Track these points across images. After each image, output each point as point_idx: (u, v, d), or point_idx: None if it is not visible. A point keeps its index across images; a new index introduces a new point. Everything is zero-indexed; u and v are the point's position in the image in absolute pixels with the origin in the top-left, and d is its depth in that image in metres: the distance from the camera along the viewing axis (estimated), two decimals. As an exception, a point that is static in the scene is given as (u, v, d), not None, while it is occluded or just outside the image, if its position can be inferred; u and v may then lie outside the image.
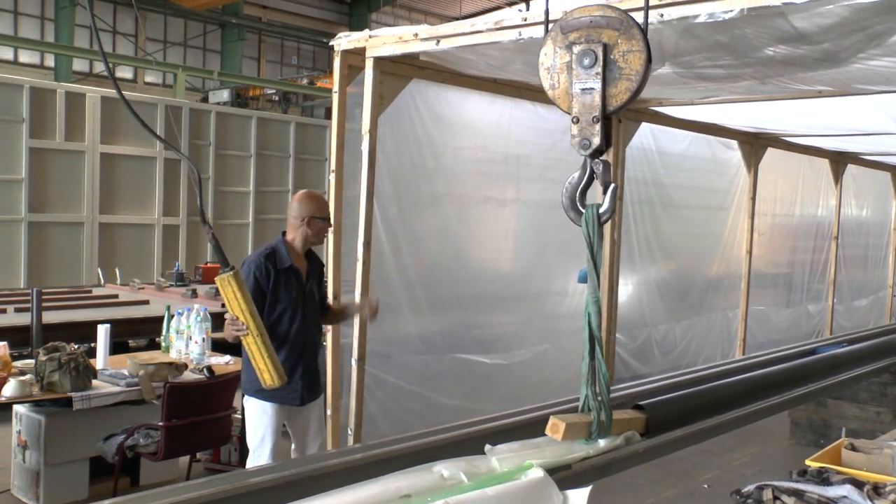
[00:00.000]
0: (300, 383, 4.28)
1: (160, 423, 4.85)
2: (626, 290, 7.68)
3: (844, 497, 3.03)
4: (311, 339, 4.36)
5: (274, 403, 4.25)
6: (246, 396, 4.33)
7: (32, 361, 5.10)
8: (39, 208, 11.68)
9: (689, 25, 3.99)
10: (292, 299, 4.25)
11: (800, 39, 4.19)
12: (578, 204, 3.10)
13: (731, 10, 3.73)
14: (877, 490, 3.00)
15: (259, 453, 4.23)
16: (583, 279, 3.14)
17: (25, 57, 21.26)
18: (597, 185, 3.10)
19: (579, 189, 3.11)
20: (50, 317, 7.55)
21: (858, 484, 3.08)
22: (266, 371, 3.74)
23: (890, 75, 4.90)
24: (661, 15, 3.88)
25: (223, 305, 8.70)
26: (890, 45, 4.19)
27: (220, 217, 13.78)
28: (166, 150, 12.99)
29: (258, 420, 4.28)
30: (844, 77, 5.08)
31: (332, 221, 4.37)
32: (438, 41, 4.81)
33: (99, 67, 22.18)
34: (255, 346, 3.71)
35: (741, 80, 5.39)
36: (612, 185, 3.06)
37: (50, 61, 21.08)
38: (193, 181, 3.28)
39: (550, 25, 3.10)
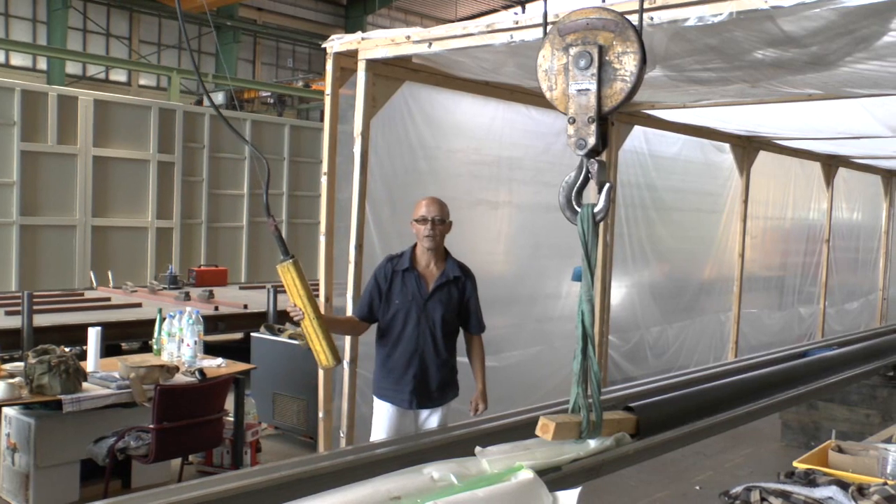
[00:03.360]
0: (410, 386, 4.27)
1: (151, 426, 4.84)
2: (618, 292, 7.70)
3: (830, 498, 3.05)
4: (426, 344, 4.28)
5: (387, 403, 4.34)
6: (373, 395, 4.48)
7: (22, 364, 5.08)
8: (31, 211, 11.67)
9: (679, 29, 4.00)
10: (407, 301, 4.27)
11: (788, 43, 4.21)
12: (574, 203, 3.13)
13: (721, 14, 3.75)
14: (861, 491, 3.02)
15: None
16: (577, 277, 3.16)
17: (17, 60, 21.20)
18: (592, 185, 3.12)
19: (575, 189, 3.14)
20: (41, 320, 7.54)
21: (844, 485, 3.10)
22: (322, 352, 3.93)
23: (878, 78, 4.93)
24: (652, 18, 3.89)
25: (216, 308, 8.73)
26: (877, 48, 4.22)
27: (213, 220, 13.79)
28: (160, 154, 13.00)
29: (377, 421, 4.39)
30: (833, 80, 5.11)
31: (433, 221, 4.25)
32: (431, 44, 4.82)
33: (91, 70, 22.15)
34: (311, 329, 3.89)
35: (732, 84, 5.41)
36: (607, 185, 3.09)
37: (42, 64, 21.03)
38: (262, 178, 3.36)
39: (548, 28, 3.13)
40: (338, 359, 4.01)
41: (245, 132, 14.36)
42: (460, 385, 4.58)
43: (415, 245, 4.39)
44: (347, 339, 5.10)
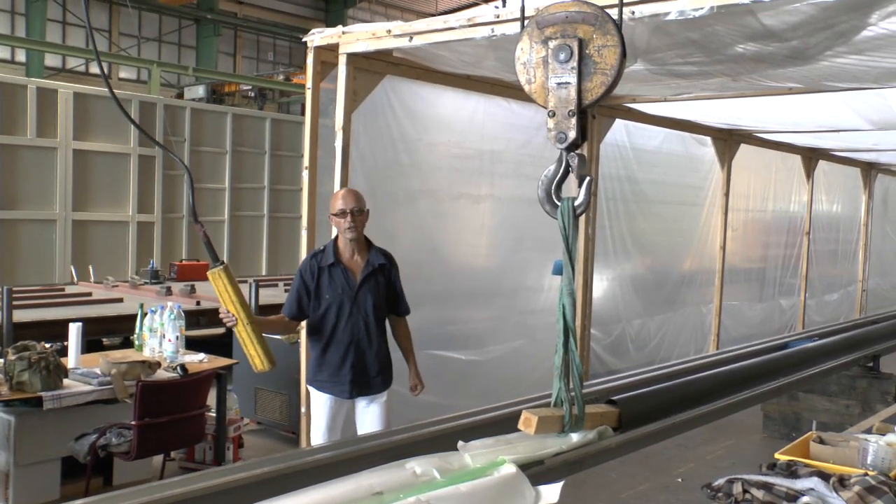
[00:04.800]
0: (348, 377, 4.38)
1: (133, 423, 4.80)
2: (600, 285, 7.73)
3: (811, 489, 3.06)
4: (360, 334, 4.39)
5: (327, 394, 4.43)
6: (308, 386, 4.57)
7: (1, 361, 5.03)
8: (10, 205, 11.54)
9: (661, 23, 4.02)
10: (336, 295, 4.36)
11: (769, 37, 4.24)
12: (554, 197, 3.12)
13: (702, 8, 3.77)
14: (842, 482, 3.04)
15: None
16: (557, 271, 3.15)
17: (-4, 52, 21.01)
18: (571, 179, 3.12)
19: (555, 182, 3.13)
20: (21, 315, 7.46)
21: (825, 476, 3.11)
22: (256, 357, 3.96)
23: (857, 72, 4.97)
24: (633, 12, 3.90)
25: (198, 303, 8.70)
26: (856, 42, 4.25)
27: (194, 214, 13.69)
28: (141, 147, 12.91)
29: (315, 411, 4.50)
30: (814, 74, 5.15)
31: (352, 212, 4.32)
32: (411, 37, 4.81)
33: (71, 63, 21.93)
34: (245, 334, 3.93)
35: (713, 77, 5.44)
36: (588, 178, 3.08)
37: (21, 56, 20.80)
38: (185, 180, 3.40)
39: (527, 21, 3.11)
40: (272, 362, 4.02)
41: (226, 126, 14.28)
42: (439, 375, 4.61)
43: (336, 239, 4.46)
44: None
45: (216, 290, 3.91)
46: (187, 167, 4.15)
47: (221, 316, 3.97)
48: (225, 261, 3.88)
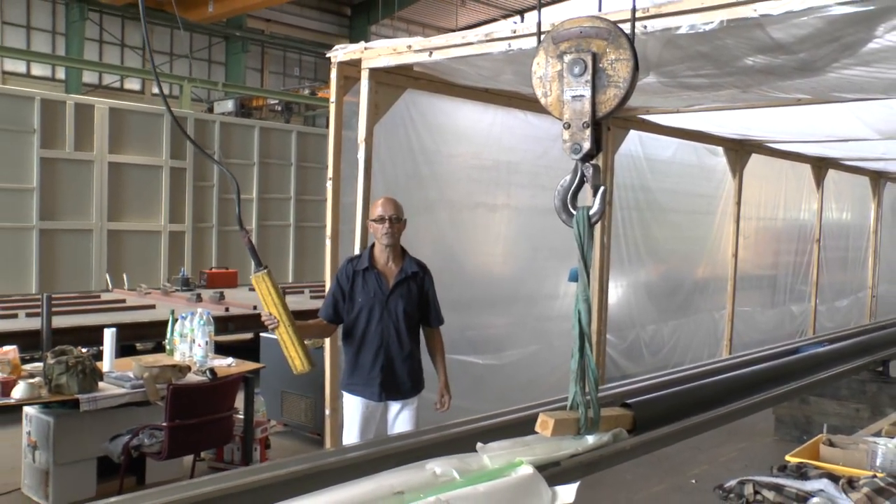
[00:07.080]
0: (378, 379, 4.52)
1: (164, 424, 4.96)
2: (615, 292, 7.80)
3: (821, 490, 3.07)
4: (390, 338, 4.51)
5: (358, 397, 4.58)
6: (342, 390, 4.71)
7: (41, 365, 5.22)
8: (50, 216, 11.88)
9: (672, 37, 4.09)
10: (369, 299, 4.50)
11: (777, 49, 4.30)
12: (570, 206, 3.19)
13: (711, 22, 3.84)
14: (851, 484, 3.06)
15: None
16: (573, 278, 3.18)
17: (37, 70, 21.41)
18: (587, 188, 3.21)
19: (570, 192, 3.19)
20: (60, 321, 7.67)
21: (834, 478, 3.14)
22: (297, 358, 4.08)
23: (864, 84, 5.02)
24: (645, 27, 3.98)
25: (226, 309, 8.87)
26: (862, 54, 4.31)
27: (223, 224, 13.95)
28: (173, 159, 13.19)
29: (348, 415, 4.64)
30: (822, 86, 5.20)
31: (390, 219, 4.48)
32: (431, 53, 4.94)
33: (107, 79, 22.34)
34: (286, 336, 4.04)
35: (723, 89, 5.50)
36: (602, 188, 3.13)
37: (61, 74, 21.24)
38: (232, 190, 3.52)
39: (542, 36, 3.20)
40: (312, 364, 4.12)
41: (254, 138, 14.57)
42: (458, 379, 4.72)
43: (373, 245, 4.61)
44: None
45: (259, 294, 4.01)
46: (236, 181, 4.30)
47: (263, 319, 4.08)
48: (268, 266, 3.98)
